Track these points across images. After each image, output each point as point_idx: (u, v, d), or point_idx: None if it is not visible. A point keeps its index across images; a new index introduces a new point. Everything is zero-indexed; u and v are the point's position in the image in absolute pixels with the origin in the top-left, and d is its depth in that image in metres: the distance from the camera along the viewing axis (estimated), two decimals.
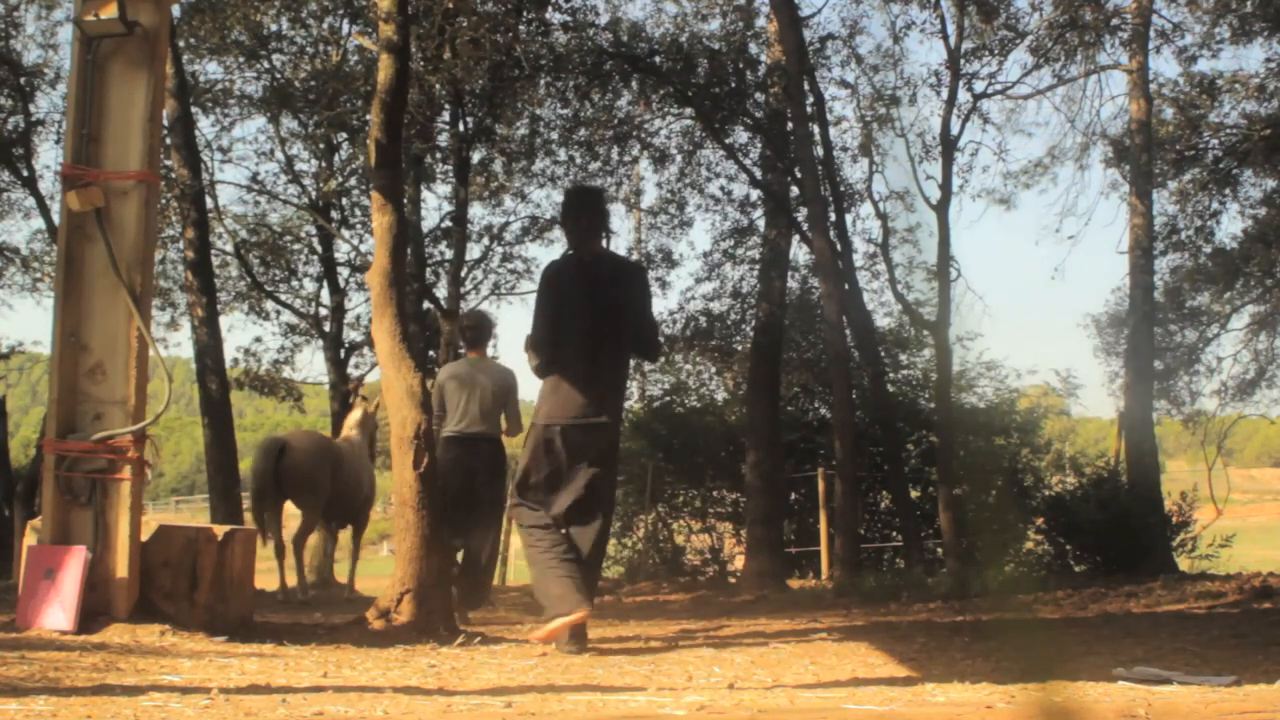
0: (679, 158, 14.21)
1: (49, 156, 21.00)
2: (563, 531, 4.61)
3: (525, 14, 11.00)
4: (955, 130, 11.98)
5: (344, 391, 13.45)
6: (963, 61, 11.89)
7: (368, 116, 9.58)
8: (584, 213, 4.81)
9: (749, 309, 14.91)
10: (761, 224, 13.59)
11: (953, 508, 10.16)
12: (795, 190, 11.74)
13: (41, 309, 34.92)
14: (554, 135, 13.30)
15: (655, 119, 13.65)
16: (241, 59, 13.11)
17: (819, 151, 10.92)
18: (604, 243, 4.99)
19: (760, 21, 12.89)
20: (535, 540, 4.59)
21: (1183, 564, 9.90)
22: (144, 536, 4.32)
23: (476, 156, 13.17)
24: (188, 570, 4.29)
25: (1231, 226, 20.16)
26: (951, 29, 11.89)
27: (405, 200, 8.17)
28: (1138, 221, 11.68)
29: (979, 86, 12.24)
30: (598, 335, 4.67)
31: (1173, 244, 14.51)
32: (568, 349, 4.63)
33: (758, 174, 12.80)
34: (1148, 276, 11.67)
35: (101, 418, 4.25)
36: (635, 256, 16.19)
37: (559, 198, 15.98)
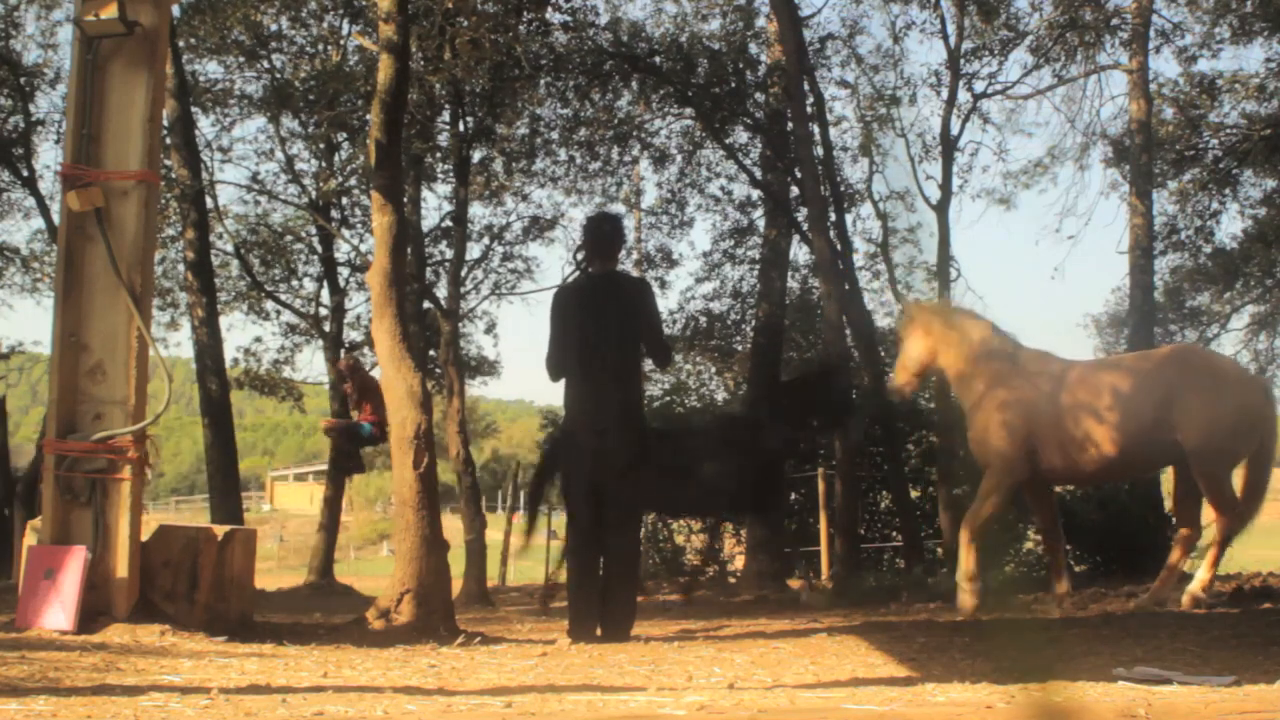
0: (679, 158, 14.24)
1: (49, 156, 20.99)
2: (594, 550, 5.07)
3: (525, 14, 10.99)
4: (955, 130, 11.99)
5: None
6: (963, 61, 11.88)
7: (368, 116, 9.57)
8: (592, 238, 5.26)
9: (749, 309, 14.92)
10: (761, 224, 13.61)
11: (953, 508, 10.14)
12: (795, 190, 11.73)
13: (41, 309, 34.95)
14: (554, 135, 13.31)
15: (655, 119, 13.66)
16: (241, 59, 13.10)
17: (819, 151, 10.91)
18: (609, 263, 5.30)
19: (760, 21, 12.89)
20: (569, 564, 5.25)
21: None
22: (144, 536, 4.32)
23: (476, 156, 13.16)
24: (188, 570, 4.29)
25: (1231, 226, 20.16)
26: (951, 29, 11.89)
27: (405, 200, 8.16)
28: (1138, 221, 11.66)
29: (979, 86, 12.25)
30: (604, 349, 5.01)
31: (1173, 244, 14.50)
32: (577, 364, 5.05)
33: (758, 174, 12.81)
34: (1148, 276, 11.66)
35: (101, 418, 4.25)
36: (635, 257, 16.21)
37: (559, 198, 16.03)
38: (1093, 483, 8.17)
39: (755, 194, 13.90)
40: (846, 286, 10.61)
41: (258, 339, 16.03)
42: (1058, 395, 5.83)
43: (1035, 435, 5.86)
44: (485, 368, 16.87)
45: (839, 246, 10.72)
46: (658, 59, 11.96)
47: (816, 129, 11.18)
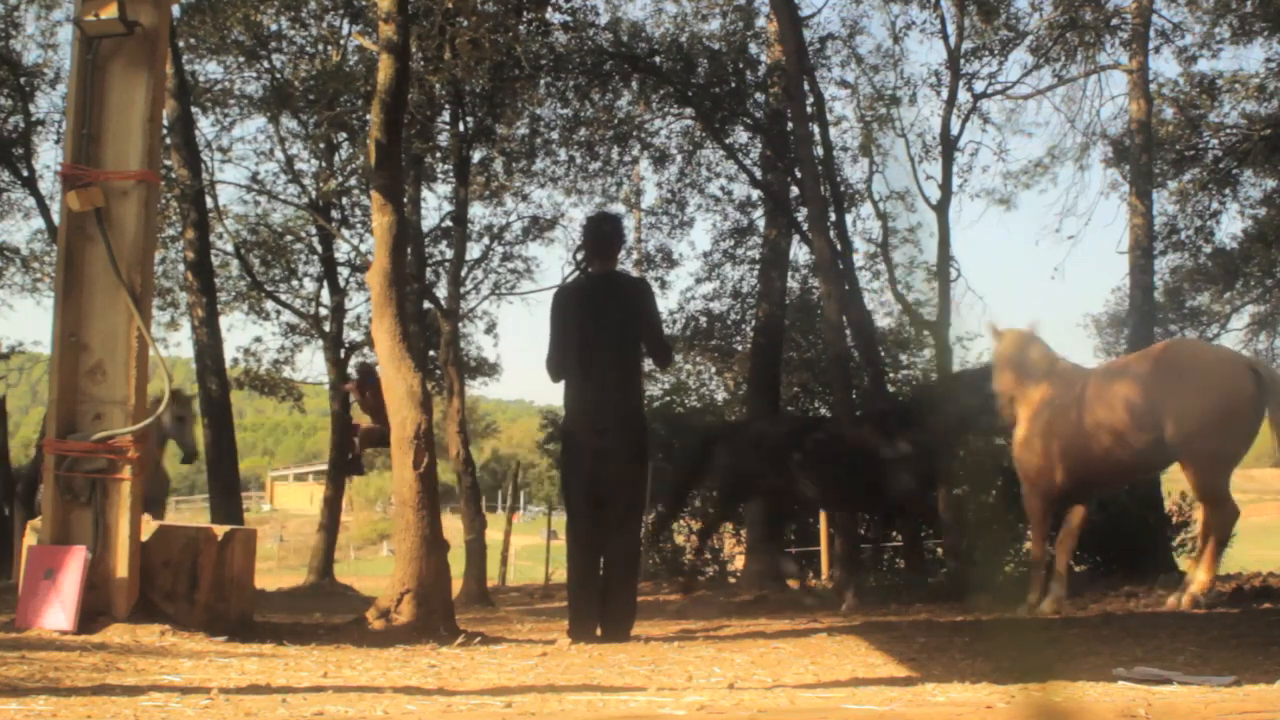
0: (679, 158, 14.24)
1: (49, 156, 21.00)
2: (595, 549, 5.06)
3: (525, 14, 10.99)
4: (955, 130, 11.99)
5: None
6: (963, 61, 11.89)
7: (368, 116, 9.57)
8: (591, 238, 5.27)
9: (749, 309, 14.92)
10: (761, 224, 13.61)
11: (953, 508, 10.15)
12: (795, 190, 11.73)
13: (41, 309, 34.93)
14: (554, 135, 13.31)
15: (655, 119, 13.67)
16: (241, 59, 13.10)
17: (819, 151, 10.92)
18: (609, 263, 5.31)
19: (760, 21, 12.90)
20: (569, 563, 5.24)
21: (1183, 564, 9.87)
22: (144, 536, 4.32)
23: (476, 156, 13.16)
24: (188, 570, 4.29)
25: (1231, 226, 20.15)
26: (951, 29, 11.89)
27: (405, 200, 8.16)
28: (1138, 221, 11.65)
29: (979, 86, 12.25)
30: (604, 349, 5.03)
31: (1173, 244, 14.49)
32: (577, 364, 5.06)
33: (758, 174, 12.81)
34: (1148, 276, 11.64)
35: (101, 418, 4.24)
36: (635, 257, 16.21)
37: (559, 198, 16.05)
38: (1105, 486, 8.35)
39: (755, 194, 13.91)
40: (846, 286, 10.62)
41: (258, 339, 16.06)
42: (1081, 421, 6.00)
43: (1064, 457, 6.10)
44: (485, 368, 16.88)
45: (839, 246, 10.72)
46: (658, 59, 11.96)
47: (816, 129, 11.18)
